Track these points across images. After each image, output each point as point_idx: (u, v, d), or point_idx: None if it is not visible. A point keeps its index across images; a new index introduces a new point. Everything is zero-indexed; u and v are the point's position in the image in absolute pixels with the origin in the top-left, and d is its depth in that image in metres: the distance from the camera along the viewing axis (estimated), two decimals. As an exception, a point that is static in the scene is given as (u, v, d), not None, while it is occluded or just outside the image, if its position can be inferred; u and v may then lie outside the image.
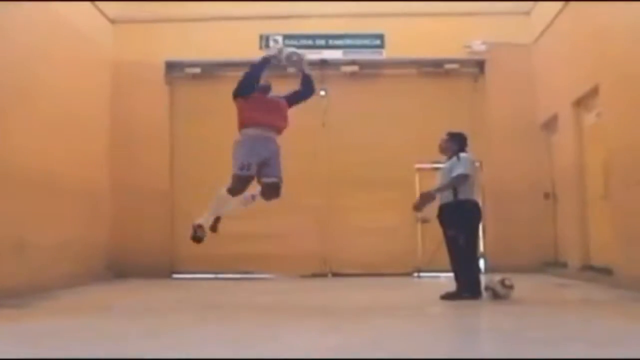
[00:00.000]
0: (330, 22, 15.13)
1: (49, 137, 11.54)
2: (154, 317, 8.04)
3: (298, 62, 9.24)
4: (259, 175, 8.68)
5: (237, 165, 8.51)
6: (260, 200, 9.10)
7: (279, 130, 8.92)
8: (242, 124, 8.79)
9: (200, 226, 8.41)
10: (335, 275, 13.99)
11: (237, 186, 8.50)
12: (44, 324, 7.46)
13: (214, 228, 8.64)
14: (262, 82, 8.98)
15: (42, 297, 9.84)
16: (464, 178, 9.16)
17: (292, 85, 9.26)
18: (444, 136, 9.77)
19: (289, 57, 9.14)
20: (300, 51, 9.43)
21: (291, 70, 10.19)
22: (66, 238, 12.03)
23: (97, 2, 13.99)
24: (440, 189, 9.37)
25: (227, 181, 8.43)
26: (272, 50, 9.45)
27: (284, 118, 9.00)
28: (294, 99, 9.21)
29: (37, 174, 11.02)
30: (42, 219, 11.17)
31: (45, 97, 11.50)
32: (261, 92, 8.89)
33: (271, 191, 8.83)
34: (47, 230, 11.29)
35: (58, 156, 11.87)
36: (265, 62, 9.01)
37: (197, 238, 8.43)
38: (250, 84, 8.83)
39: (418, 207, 9.72)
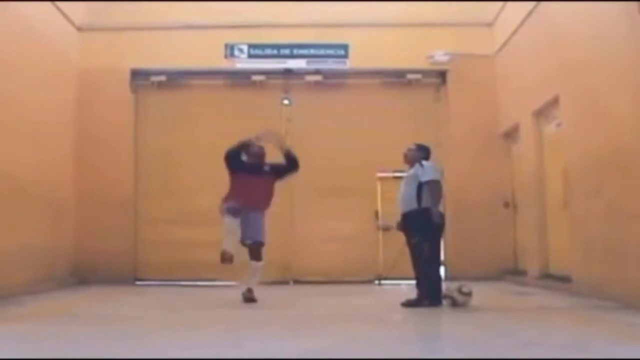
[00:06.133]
0: (295, 32, 15.18)
1: (12, 142, 11.42)
2: (116, 324, 8.02)
3: (275, 140, 10.64)
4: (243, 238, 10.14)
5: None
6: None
7: (261, 209, 10.27)
8: (227, 198, 10.11)
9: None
10: (296, 282, 14.02)
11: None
12: (6, 329, 7.43)
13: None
14: (256, 149, 10.41)
15: (5, 303, 9.75)
16: (436, 184, 9.28)
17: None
18: (411, 146, 9.82)
19: (266, 137, 10.43)
20: (274, 131, 10.94)
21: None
22: (30, 244, 11.94)
23: (64, 9, 13.92)
24: (435, 203, 9.25)
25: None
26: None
27: (267, 198, 10.38)
28: (282, 173, 10.63)
29: (-1, 179, 10.97)
30: (5, 225, 11.07)
31: (9, 103, 11.40)
32: (247, 171, 10.21)
33: (251, 251, 10.32)
34: (10, 236, 11.19)
35: (22, 162, 11.76)
36: (241, 145, 10.32)
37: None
38: (230, 159, 10.26)
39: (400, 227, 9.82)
